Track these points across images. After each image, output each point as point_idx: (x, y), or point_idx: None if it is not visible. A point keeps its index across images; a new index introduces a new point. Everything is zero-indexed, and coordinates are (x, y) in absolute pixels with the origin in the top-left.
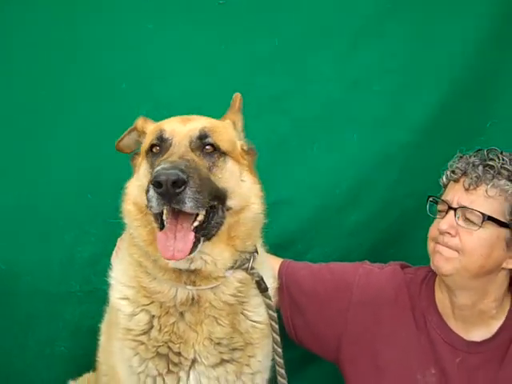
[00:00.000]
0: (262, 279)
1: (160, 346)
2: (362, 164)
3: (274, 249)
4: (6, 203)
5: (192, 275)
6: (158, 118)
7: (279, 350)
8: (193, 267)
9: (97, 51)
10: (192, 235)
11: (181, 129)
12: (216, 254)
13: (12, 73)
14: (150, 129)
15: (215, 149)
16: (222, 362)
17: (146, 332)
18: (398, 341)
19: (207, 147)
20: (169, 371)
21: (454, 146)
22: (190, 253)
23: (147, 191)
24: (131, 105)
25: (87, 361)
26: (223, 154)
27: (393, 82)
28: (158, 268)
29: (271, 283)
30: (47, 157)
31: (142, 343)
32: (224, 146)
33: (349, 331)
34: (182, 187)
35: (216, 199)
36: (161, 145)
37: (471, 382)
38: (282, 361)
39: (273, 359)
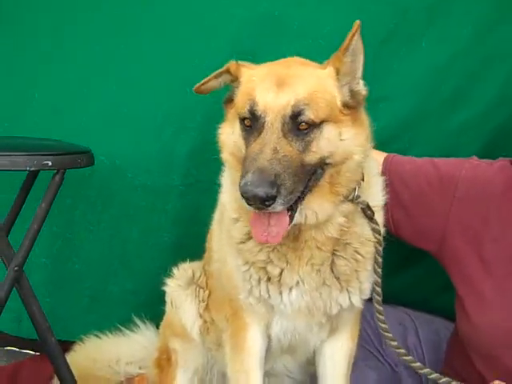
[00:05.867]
0: (367, 206)
1: (260, 260)
2: (473, 59)
3: (376, 146)
4: (107, 100)
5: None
6: None
7: (379, 270)
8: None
9: None
10: (286, 220)
11: (274, 102)
12: (317, 207)
13: None
14: (245, 77)
15: (310, 124)
16: (325, 284)
17: (246, 241)
18: (506, 236)
19: (302, 124)
20: (269, 281)
21: None
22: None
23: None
24: None
25: (192, 249)
26: (319, 124)
27: None
28: None
29: (379, 201)
30: (147, 53)
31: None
32: (321, 116)
33: (452, 226)
34: (272, 200)
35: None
36: (253, 121)
37: None
38: (380, 280)
39: None
